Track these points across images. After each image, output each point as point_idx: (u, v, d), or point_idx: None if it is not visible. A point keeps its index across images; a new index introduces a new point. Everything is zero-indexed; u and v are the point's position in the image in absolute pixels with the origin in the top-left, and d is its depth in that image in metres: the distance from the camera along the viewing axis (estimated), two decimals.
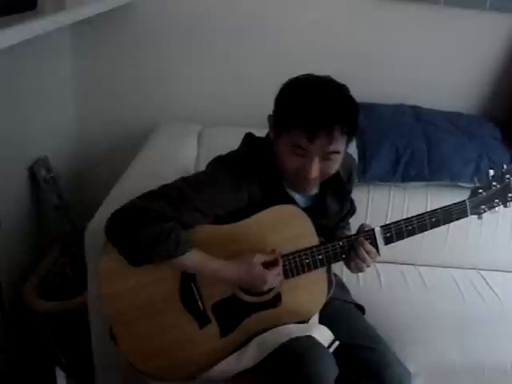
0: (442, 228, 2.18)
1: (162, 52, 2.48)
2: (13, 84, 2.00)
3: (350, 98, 1.48)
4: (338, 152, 1.48)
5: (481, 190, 1.65)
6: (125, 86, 2.55)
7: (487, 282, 2.21)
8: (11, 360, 2.09)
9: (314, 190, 1.65)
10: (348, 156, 1.71)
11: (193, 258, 1.46)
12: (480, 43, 2.46)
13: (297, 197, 1.63)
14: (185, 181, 1.51)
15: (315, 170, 1.48)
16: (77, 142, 2.61)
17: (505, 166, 1.66)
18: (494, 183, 1.65)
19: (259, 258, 1.51)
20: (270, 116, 1.55)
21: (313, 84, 1.48)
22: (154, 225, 1.39)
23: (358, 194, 2.15)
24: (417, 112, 2.42)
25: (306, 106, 1.43)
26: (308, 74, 1.51)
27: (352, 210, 1.86)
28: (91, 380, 1.91)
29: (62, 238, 2.29)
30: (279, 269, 1.53)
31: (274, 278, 1.52)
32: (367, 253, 1.57)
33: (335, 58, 2.42)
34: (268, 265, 1.52)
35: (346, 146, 1.52)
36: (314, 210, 1.62)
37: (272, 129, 1.56)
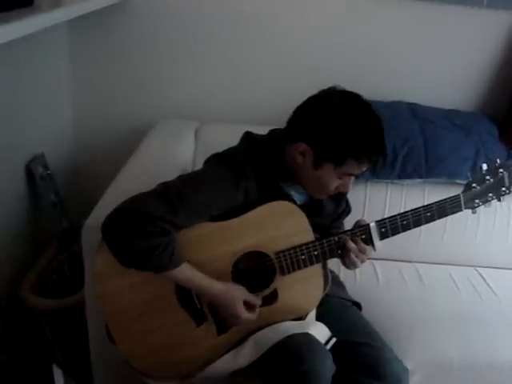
0: (439, 225, 2.21)
1: (159, 48, 2.48)
2: (9, 81, 1.99)
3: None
4: None
5: (474, 184, 1.65)
6: (122, 83, 2.54)
7: (484, 279, 2.22)
8: (8, 357, 2.09)
9: None
10: None
11: (182, 273, 1.46)
12: (477, 40, 2.45)
13: (293, 195, 1.63)
14: (182, 180, 1.50)
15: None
16: (73, 139, 2.60)
17: (498, 161, 1.67)
18: (487, 177, 1.65)
19: (244, 295, 1.53)
20: (300, 145, 1.50)
21: (358, 112, 1.50)
22: (152, 237, 1.38)
23: (355, 191, 2.16)
24: (414, 109, 2.41)
25: (368, 140, 1.48)
26: (338, 93, 1.53)
27: (347, 210, 1.86)
28: (89, 377, 1.91)
29: (59, 235, 2.28)
30: (254, 315, 1.55)
31: (245, 320, 1.54)
32: (362, 248, 1.57)
33: (332, 55, 2.41)
34: (248, 305, 1.54)
35: None
36: (310, 208, 1.62)
37: (305, 157, 1.52)
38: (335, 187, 1.56)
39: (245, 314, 1.53)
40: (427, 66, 2.49)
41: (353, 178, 1.57)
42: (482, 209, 1.68)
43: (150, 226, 1.38)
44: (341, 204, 1.79)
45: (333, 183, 1.54)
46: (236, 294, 1.52)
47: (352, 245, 1.57)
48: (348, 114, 1.49)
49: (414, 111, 2.40)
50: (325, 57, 2.40)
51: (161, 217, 1.40)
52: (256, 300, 1.55)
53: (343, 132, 1.47)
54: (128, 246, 1.40)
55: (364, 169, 1.52)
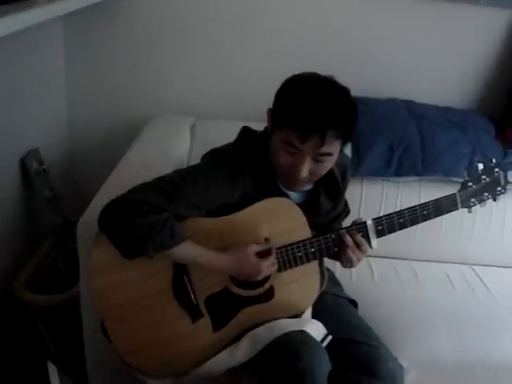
0: (435, 223, 2.20)
1: (155, 44, 2.47)
2: (4, 75, 1.98)
3: (349, 102, 1.45)
4: (330, 154, 1.47)
5: (470, 184, 1.65)
6: (117, 78, 2.53)
7: (480, 277, 2.22)
8: (2, 354, 2.08)
9: (308, 187, 1.64)
10: (343, 155, 1.71)
11: (186, 249, 1.45)
12: (475, 38, 2.45)
13: (290, 193, 1.62)
14: (179, 173, 1.50)
15: (305, 170, 1.47)
16: (68, 134, 2.59)
17: (494, 160, 1.68)
18: (483, 177, 1.66)
19: (253, 248, 1.51)
20: (269, 109, 1.53)
21: (313, 84, 1.45)
22: (149, 216, 1.38)
23: (352, 189, 2.13)
24: (410, 106, 2.42)
25: (301, 106, 1.41)
26: (312, 73, 1.48)
27: (346, 211, 1.85)
28: (83, 374, 1.90)
29: (53, 230, 2.27)
30: (273, 258, 1.53)
31: (267, 267, 1.52)
32: (359, 245, 1.57)
33: (329, 52, 2.41)
34: (262, 255, 1.52)
35: (341, 148, 1.51)
36: (307, 207, 1.61)
37: (269, 123, 1.54)
38: (286, 166, 1.48)
39: (264, 264, 1.51)
40: (424, 63, 2.49)
41: (306, 164, 1.45)
42: (477, 207, 1.69)
43: (145, 207, 1.39)
44: (338, 204, 1.77)
45: (281, 154, 1.47)
46: (245, 250, 1.50)
47: (349, 238, 1.56)
48: (304, 83, 1.46)
49: (411, 108, 2.40)
50: (321, 54, 2.40)
51: (156, 204, 1.40)
52: (266, 246, 1.53)
53: (290, 96, 1.45)
54: (126, 231, 1.39)
55: (305, 143, 1.41)
